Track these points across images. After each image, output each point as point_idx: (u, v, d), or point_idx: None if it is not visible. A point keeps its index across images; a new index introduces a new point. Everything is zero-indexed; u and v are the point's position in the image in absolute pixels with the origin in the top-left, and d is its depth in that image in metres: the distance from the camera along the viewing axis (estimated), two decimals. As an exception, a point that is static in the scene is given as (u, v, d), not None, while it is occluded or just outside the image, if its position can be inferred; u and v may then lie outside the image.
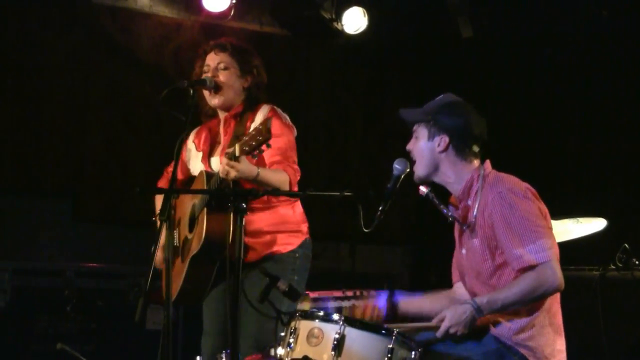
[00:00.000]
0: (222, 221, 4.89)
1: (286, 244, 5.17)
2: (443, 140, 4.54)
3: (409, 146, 4.65)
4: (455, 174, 4.55)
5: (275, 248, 5.13)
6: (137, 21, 8.19)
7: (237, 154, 4.61)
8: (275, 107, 5.23)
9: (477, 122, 4.59)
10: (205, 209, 4.95)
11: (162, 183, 5.46)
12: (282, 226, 5.17)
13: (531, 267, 4.26)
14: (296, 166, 5.08)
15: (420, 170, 4.58)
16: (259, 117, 5.12)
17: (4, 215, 7.61)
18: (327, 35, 8.39)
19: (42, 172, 7.88)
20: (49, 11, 7.83)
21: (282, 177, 4.92)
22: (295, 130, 5.23)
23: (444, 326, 4.30)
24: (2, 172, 7.74)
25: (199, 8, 7.95)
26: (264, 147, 4.53)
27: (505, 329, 4.39)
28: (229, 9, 7.90)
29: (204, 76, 5.22)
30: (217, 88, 5.19)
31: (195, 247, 4.97)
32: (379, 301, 4.75)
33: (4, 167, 7.74)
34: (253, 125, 5.05)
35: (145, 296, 4.59)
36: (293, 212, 5.23)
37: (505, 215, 4.34)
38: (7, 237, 7.51)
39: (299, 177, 5.07)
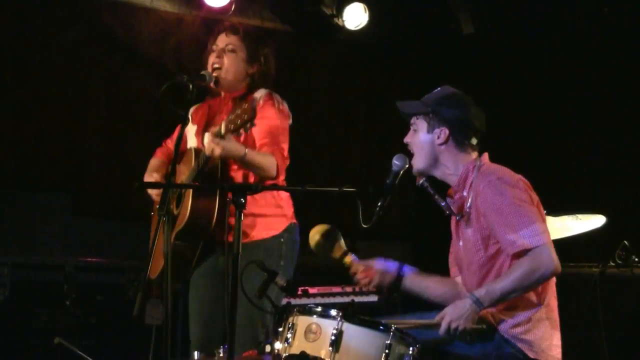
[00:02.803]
0: (207, 201, 4.92)
1: (269, 228, 5.19)
2: (443, 132, 4.55)
3: (407, 139, 4.65)
4: (454, 166, 4.57)
5: (259, 233, 5.15)
6: (138, 16, 8.18)
7: (222, 132, 4.63)
8: (273, 92, 5.25)
9: (477, 114, 4.60)
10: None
11: (160, 153, 5.52)
12: (265, 209, 5.18)
13: (525, 252, 4.28)
14: (285, 153, 5.09)
15: (419, 163, 4.59)
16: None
17: (4, 209, 7.60)
18: (328, 31, 8.39)
19: (43, 166, 7.87)
20: (49, 6, 7.83)
21: (269, 160, 4.93)
22: (290, 118, 5.25)
23: (445, 322, 4.31)
24: (2, 167, 7.73)
25: (200, 3, 7.95)
26: (249, 126, 4.54)
27: (503, 322, 4.40)
28: (230, 3, 7.90)
29: (209, 61, 5.26)
30: (216, 83, 5.21)
31: (179, 224, 4.97)
32: (388, 266, 4.75)
33: (4, 161, 7.73)
34: None
35: (143, 291, 4.61)
36: (277, 195, 5.23)
37: (497, 203, 4.35)
38: (6, 232, 7.50)
39: (287, 164, 5.10)
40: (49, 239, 7.72)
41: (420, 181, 4.58)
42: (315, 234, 4.74)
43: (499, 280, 4.34)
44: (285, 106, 5.24)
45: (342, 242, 4.74)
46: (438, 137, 4.55)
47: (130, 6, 8.14)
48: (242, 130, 4.64)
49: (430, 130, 4.57)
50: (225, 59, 5.24)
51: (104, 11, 8.07)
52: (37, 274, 6.75)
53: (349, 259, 4.75)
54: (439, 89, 4.67)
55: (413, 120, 4.64)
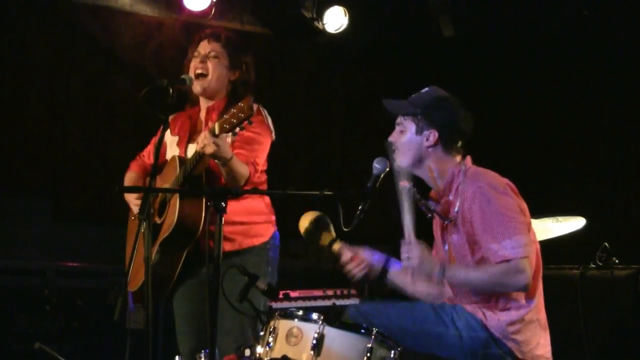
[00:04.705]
0: (194, 205, 4.89)
1: (260, 235, 5.20)
2: (432, 135, 4.54)
3: (392, 138, 4.62)
4: (439, 169, 4.57)
5: (250, 240, 5.16)
6: (118, 20, 8.16)
7: (216, 132, 4.60)
8: (261, 106, 5.23)
9: (466, 118, 4.61)
10: (177, 194, 4.94)
11: (135, 166, 5.47)
12: (255, 217, 5.20)
13: (505, 262, 4.28)
14: (259, 167, 5.07)
15: (403, 161, 4.57)
16: None
17: (-17, 214, 7.59)
18: (308, 34, 8.38)
19: (23, 170, 7.84)
20: (29, 9, 7.80)
21: (245, 171, 4.90)
22: (273, 135, 5.24)
23: (414, 257, 4.33)
24: (-19, 171, 7.71)
25: (180, 7, 7.93)
26: (245, 125, 4.52)
27: (495, 321, 4.41)
28: (210, 7, 7.89)
29: (191, 68, 5.24)
30: (202, 75, 5.19)
31: (165, 231, 4.94)
32: (375, 257, 4.76)
33: (-16, 165, 7.71)
34: None
35: (124, 295, 4.58)
36: (263, 202, 5.27)
37: (484, 210, 4.35)
38: (-14, 236, 7.49)
39: (255, 179, 5.06)
40: (29, 243, 7.71)
41: (408, 186, 4.55)
42: (305, 221, 4.75)
43: (471, 269, 4.39)
44: (270, 123, 5.24)
45: (332, 229, 4.75)
46: (427, 140, 4.54)
47: (110, 10, 8.12)
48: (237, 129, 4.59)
49: (418, 132, 4.56)
50: (209, 65, 5.24)
51: (83, 15, 8.04)
52: (18, 278, 6.74)
53: (338, 246, 4.76)
54: (427, 89, 4.65)
55: (400, 120, 4.62)
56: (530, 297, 4.44)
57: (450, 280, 4.40)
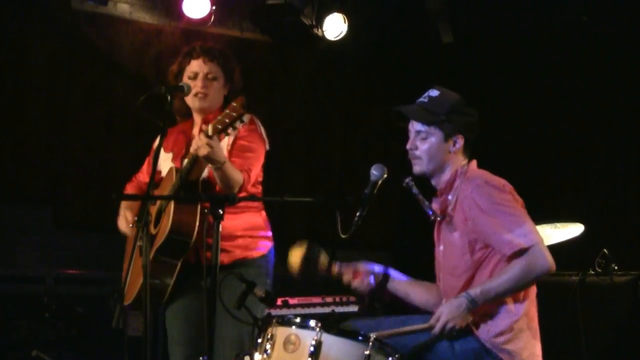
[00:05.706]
0: (188, 212, 4.88)
1: (258, 248, 5.19)
2: (459, 140, 4.55)
3: (413, 145, 4.59)
4: (452, 171, 4.57)
5: (248, 252, 5.15)
6: (117, 27, 8.17)
7: (210, 133, 4.58)
8: (254, 116, 5.22)
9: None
10: (172, 201, 4.92)
11: (130, 187, 5.44)
12: (253, 231, 5.20)
13: (522, 251, 4.29)
14: (252, 176, 5.05)
15: (427, 167, 4.57)
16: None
17: (-17, 222, 7.59)
18: (307, 41, 8.39)
19: (22, 178, 7.84)
20: (28, 17, 7.80)
21: (239, 178, 4.89)
22: (267, 145, 5.22)
23: (441, 322, 4.33)
24: (-19, 179, 7.71)
25: (179, 14, 7.93)
26: (238, 125, 4.51)
27: (485, 332, 4.41)
28: (209, 15, 7.89)
29: (185, 81, 5.21)
30: (204, 97, 5.18)
31: (160, 238, 4.92)
32: (375, 268, 4.77)
33: (-17, 173, 7.71)
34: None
35: (122, 302, 4.59)
36: (261, 217, 5.26)
37: (487, 206, 4.37)
38: (-14, 244, 7.48)
39: (251, 189, 5.07)
40: (29, 251, 7.70)
41: (406, 180, 4.55)
42: (294, 260, 4.72)
43: (494, 279, 4.36)
44: (263, 133, 5.23)
45: (323, 255, 4.73)
46: (454, 145, 4.55)
47: (110, 17, 8.13)
48: (229, 130, 4.58)
49: (446, 138, 4.55)
50: (211, 89, 5.19)
51: (83, 22, 8.04)
52: (17, 286, 6.72)
53: (336, 268, 4.75)
54: (437, 92, 4.63)
55: (421, 127, 4.59)
56: (521, 305, 4.44)
57: (485, 300, 4.35)
